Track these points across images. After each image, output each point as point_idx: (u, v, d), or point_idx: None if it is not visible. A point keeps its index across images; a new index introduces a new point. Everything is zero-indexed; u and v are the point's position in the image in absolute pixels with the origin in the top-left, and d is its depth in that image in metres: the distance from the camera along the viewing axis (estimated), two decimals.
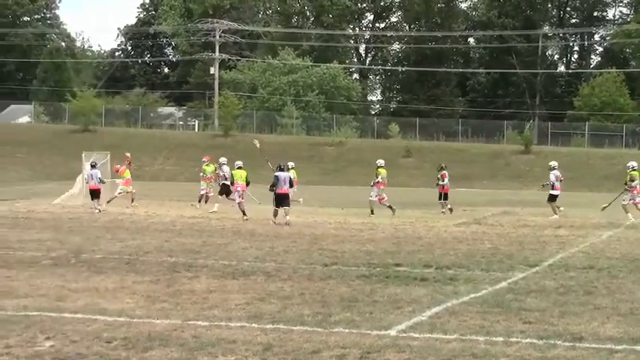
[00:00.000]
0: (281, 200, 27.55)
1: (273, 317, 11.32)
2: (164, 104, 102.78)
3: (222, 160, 33.93)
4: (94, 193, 32.16)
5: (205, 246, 19.94)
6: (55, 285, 13.78)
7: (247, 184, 30.54)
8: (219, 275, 15.21)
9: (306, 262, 17.14)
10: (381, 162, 33.38)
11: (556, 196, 32.03)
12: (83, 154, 37.54)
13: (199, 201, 34.54)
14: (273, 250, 19.19)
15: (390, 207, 31.70)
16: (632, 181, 29.72)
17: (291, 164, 35.43)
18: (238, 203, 29.70)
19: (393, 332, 10.49)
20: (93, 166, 33.17)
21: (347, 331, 10.53)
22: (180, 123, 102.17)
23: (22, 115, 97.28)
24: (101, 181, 32.61)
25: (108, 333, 10.22)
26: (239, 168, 30.66)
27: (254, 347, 9.57)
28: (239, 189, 29.94)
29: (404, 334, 10.36)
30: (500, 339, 10.13)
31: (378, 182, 32.23)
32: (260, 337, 10.11)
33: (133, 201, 34.59)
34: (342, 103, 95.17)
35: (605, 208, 30.97)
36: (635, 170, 30.13)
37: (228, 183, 32.01)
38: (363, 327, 10.76)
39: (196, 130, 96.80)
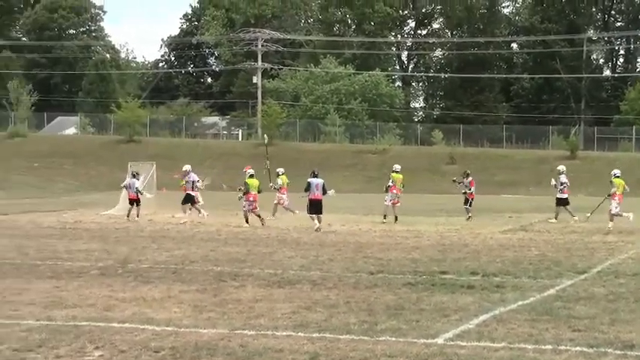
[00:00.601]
0: (314, 206, 27.77)
1: (320, 326, 11.30)
2: (208, 114, 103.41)
3: (187, 167, 33.43)
4: (132, 202, 32.87)
5: (251, 255, 19.97)
6: (103, 295, 13.88)
7: (259, 192, 30.59)
8: (265, 284, 15.23)
9: (351, 271, 17.11)
10: (397, 167, 33.83)
11: (564, 199, 32.05)
12: (129, 165, 37.80)
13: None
14: (318, 259, 19.18)
15: (395, 216, 31.72)
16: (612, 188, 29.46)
17: (280, 170, 35.23)
18: (252, 210, 29.70)
19: (440, 340, 10.43)
20: (133, 176, 33.69)
21: (393, 339, 10.48)
22: (224, 132, 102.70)
23: (69, 126, 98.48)
24: (138, 192, 33.01)
25: (156, 342, 10.27)
26: (251, 176, 30.64)
27: (300, 356, 9.58)
28: (251, 198, 29.94)
29: (451, 343, 10.30)
30: (549, 347, 10.03)
31: (390, 186, 32.39)
32: (306, 346, 10.10)
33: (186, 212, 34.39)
34: (384, 111, 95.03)
35: (589, 217, 30.65)
36: (617, 177, 29.72)
37: (192, 193, 32.02)
38: (409, 335, 10.72)
39: (240, 139, 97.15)
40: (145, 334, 10.74)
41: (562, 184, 32.35)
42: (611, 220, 28.37)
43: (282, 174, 34.69)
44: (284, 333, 10.84)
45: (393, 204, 32.26)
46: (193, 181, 32.34)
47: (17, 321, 11.59)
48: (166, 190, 37.96)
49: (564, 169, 33.38)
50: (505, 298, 13.57)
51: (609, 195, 29.19)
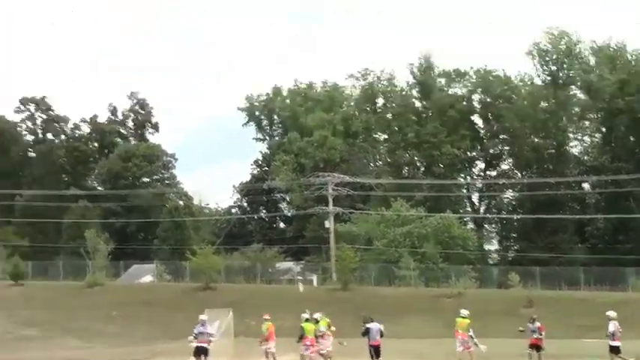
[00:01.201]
0: (376, 352, 28.38)
1: None
2: (282, 259, 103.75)
3: (203, 317, 33.41)
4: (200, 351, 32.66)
5: None
6: None
7: (316, 337, 31.50)
8: None
9: None
10: (463, 312, 34.44)
11: (617, 347, 32.02)
12: (204, 312, 38.09)
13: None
14: None
15: None
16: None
17: (318, 315, 35.32)
18: (302, 355, 30.28)
19: None
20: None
21: None
22: (299, 277, 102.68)
23: (145, 274, 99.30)
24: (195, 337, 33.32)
25: None
26: (307, 320, 31.34)
27: None
28: (307, 343, 30.45)
29: None
30: None
31: (457, 331, 33.00)
32: None
33: None
34: (458, 253, 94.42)
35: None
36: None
37: (206, 345, 31.87)
38: None
39: (314, 284, 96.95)
40: None
41: (610, 330, 32.80)
42: None
43: (320, 319, 35.24)
44: None
45: (465, 349, 32.20)
46: (209, 334, 32.34)
47: None
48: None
49: (614, 314, 33.51)
50: None
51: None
